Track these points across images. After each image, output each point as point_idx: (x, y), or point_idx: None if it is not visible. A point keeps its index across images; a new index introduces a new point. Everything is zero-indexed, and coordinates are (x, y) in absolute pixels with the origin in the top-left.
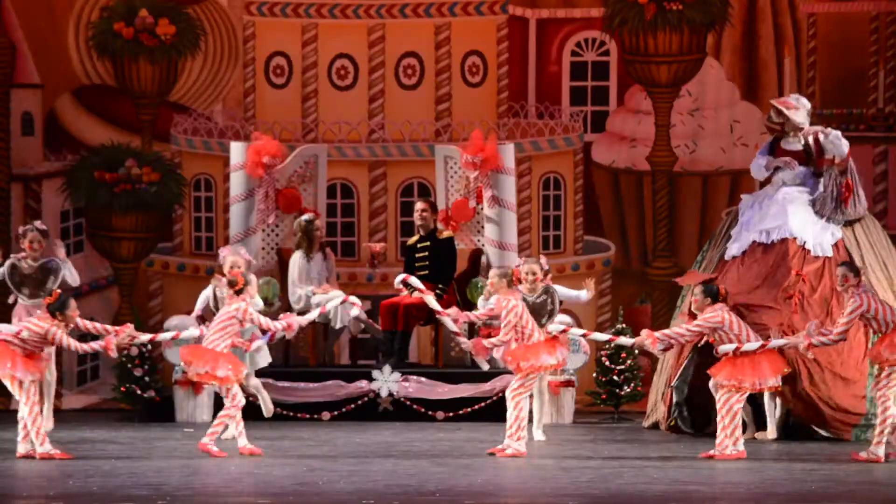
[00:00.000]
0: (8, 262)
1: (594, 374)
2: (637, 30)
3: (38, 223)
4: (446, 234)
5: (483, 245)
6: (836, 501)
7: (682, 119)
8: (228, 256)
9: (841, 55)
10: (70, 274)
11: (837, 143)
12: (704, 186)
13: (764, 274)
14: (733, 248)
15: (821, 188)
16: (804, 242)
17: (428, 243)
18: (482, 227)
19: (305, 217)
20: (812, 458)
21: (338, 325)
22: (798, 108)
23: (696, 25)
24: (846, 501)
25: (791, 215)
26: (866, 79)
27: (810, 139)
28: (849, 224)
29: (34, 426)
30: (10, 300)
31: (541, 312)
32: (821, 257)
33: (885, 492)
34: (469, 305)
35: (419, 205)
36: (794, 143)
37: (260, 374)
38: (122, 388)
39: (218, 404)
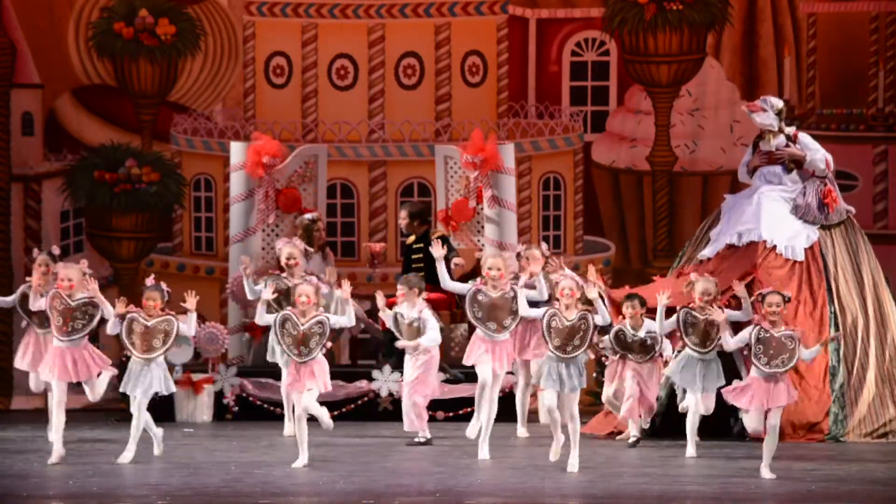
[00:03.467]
0: (19, 292)
1: (594, 374)
2: (637, 30)
3: (53, 248)
4: (438, 235)
5: (483, 245)
6: (836, 501)
7: (682, 119)
8: (285, 248)
9: (841, 55)
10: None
11: (815, 160)
12: (704, 186)
13: (729, 278)
14: (707, 250)
15: (803, 197)
16: (774, 245)
17: (422, 244)
18: (482, 227)
19: (308, 216)
20: (812, 458)
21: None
22: (765, 111)
23: (696, 25)
24: (846, 501)
25: (764, 217)
26: (866, 79)
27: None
28: (827, 227)
29: None
30: (23, 325)
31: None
32: (790, 261)
33: (885, 492)
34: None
35: (403, 213)
36: (768, 145)
37: (262, 374)
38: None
39: (219, 404)
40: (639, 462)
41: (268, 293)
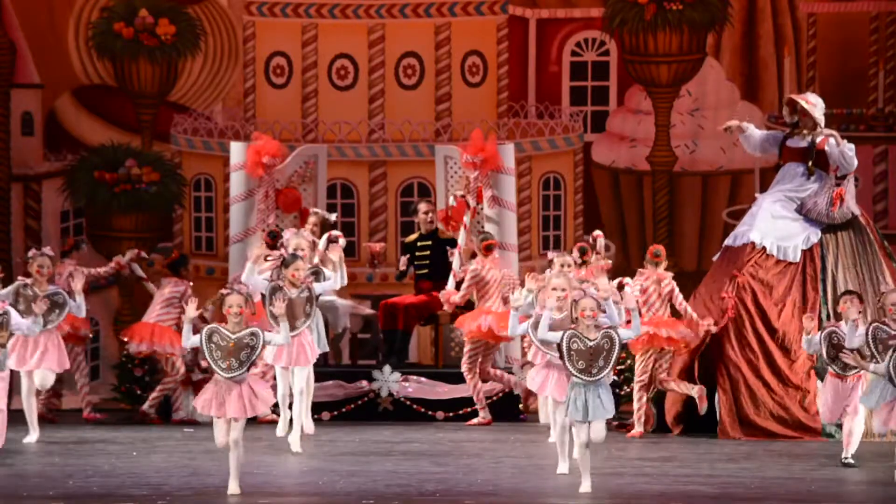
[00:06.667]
0: (13, 287)
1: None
2: (637, 30)
3: (46, 249)
4: (447, 235)
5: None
6: (836, 501)
7: (682, 119)
8: (293, 239)
9: (841, 55)
10: (79, 305)
11: (850, 157)
12: (704, 186)
13: (716, 279)
14: (716, 255)
15: (814, 194)
16: (764, 247)
17: (429, 242)
18: (482, 227)
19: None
20: (812, 458)
21: (339, 330)
22: (815, 105)
23: (696, 25)
24: (846, 501)
25: (759, 218)
26: (866, 79)
27: (818, 139)
28: (833, 228)
29: None
30: None
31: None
32: (782, 262)
33: (884, 492)
34: (468, 305)
35: (424, 206)
36: (800, 141)
37: None
38: (122, 388)
39: None
40: (639, 462)
41: (191, 310)
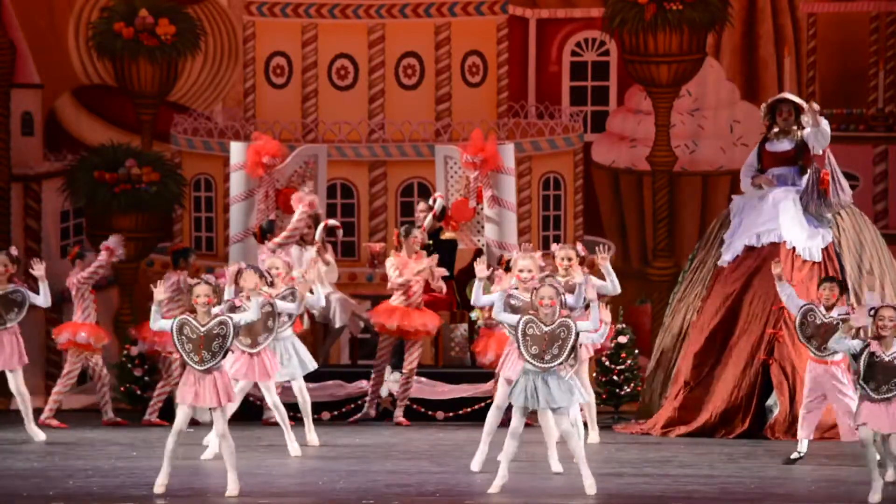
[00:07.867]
0: None
1: (594, 374)
2: (637, 30)
3: (11, 249)
4: (448, 235)
5: (483, 245)
6: (836, 501)
7: (682, 119)
8: (268, 259)
9: (841, 55)
10: (44, 295)
11: (825, 132)
12: (704, 186)
13: (748, 278)
14: (727, 255)
15: (802, 185)
16: (794, 247)
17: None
18: (482, 227)
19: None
20: (812, 458)
21: (337, 325)
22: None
23: (696, 25)
24: (846, 501)
25: (782, 217)
26: (866, 79)
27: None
28: (839, 225)
29: None
30: None
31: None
32: (808, 262)
33: (884, 492)
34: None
35: (422, 205)
36: (779, 144)
37: None
38: (121, 388)
39: None
40: (639, 462)
41: (160, 293)
